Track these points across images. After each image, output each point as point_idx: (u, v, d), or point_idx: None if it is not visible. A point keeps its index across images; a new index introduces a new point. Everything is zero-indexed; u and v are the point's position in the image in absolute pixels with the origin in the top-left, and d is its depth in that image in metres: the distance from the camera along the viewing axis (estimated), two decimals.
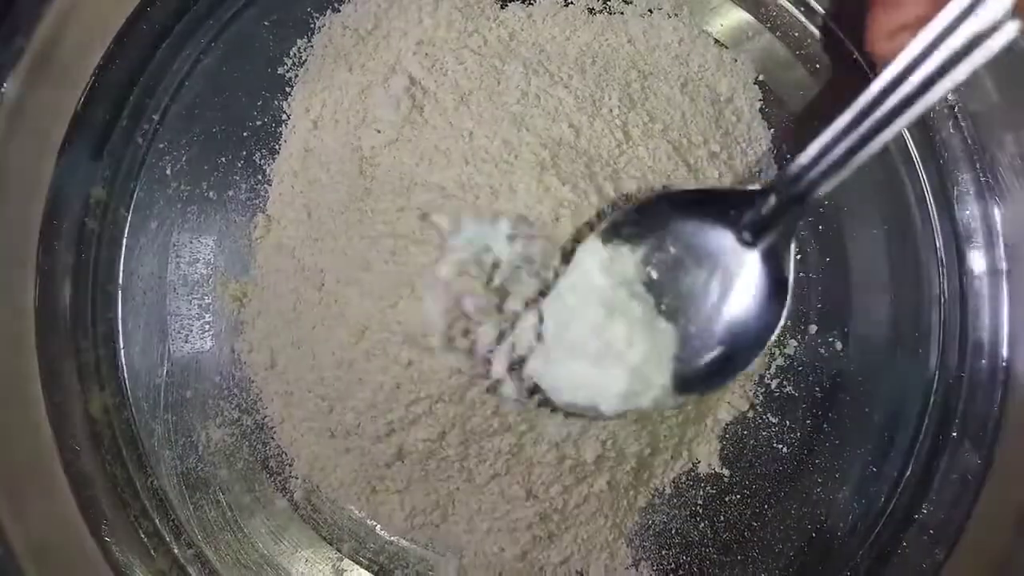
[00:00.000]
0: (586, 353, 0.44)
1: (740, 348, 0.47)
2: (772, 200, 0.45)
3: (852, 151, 0.43)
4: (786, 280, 0.46)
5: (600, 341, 0.44)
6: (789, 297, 0.46)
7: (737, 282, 0.47)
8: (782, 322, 0.46)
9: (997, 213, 0.54)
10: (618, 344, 0.44)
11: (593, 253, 0.46)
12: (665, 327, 0.46)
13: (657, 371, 0.45)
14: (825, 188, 0.44)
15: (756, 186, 0.47)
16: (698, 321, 0.46)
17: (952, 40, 0.40)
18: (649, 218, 0.47)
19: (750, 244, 0.46)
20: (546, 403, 0.46)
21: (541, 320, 0.45)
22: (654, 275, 0.46)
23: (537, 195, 0.47)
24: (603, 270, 0.45)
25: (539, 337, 0.45)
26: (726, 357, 0.46)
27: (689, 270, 0.47)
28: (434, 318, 0.45)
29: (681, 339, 0.46)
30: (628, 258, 0.46)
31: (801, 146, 0.44)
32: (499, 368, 0.45)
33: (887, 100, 0.42)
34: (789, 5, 0.58)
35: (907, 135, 0.56)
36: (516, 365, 0.45)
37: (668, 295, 0.46)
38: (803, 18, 0.58)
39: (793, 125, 0.57)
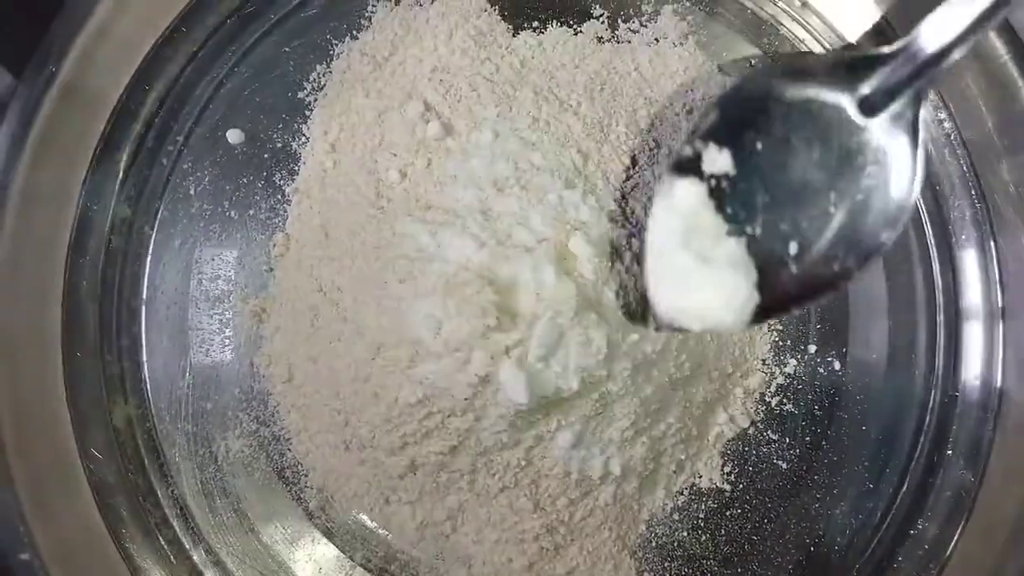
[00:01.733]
0: (676, 276, 0.44)
1: (867, 230, 0.43)
2: (904, 63, 0.42)
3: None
4: (914, 151, 0.42)
5: (686, 263, 0.44)
6: (920, 172, 0.42)
7: (852, 164, 0.43)
8: (916, 194, 0.43)
9: (992, 239, 0.56)
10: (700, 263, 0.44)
11: (671, 190, 0.45)
12: (739, 244, 0.44)
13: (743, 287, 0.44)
14: (966, 47, 0.40)
15: (884, 48, 0.43)
16: (809, 211, 0.43)
17: None
18: (740, 108, 0.45)
19: (871, 114, 0.43)
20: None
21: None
22: (742, 180, 0.44)
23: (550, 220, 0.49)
24: (683, 201, 0.45)
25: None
26: (850, 242, 0.43)
27: (794, 155, 0.44)
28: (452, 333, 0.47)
29: (779, 246, 0.44)
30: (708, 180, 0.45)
31: None
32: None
33: None
34: (792, 35, 0.60)
35: None
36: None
37: (762, 200, 0.44)
38: (805, 48, 0.60)
39: None
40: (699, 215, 0.45)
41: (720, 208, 0.45)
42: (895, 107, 0.44)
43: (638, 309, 0.49)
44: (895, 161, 0.44)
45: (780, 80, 0.45)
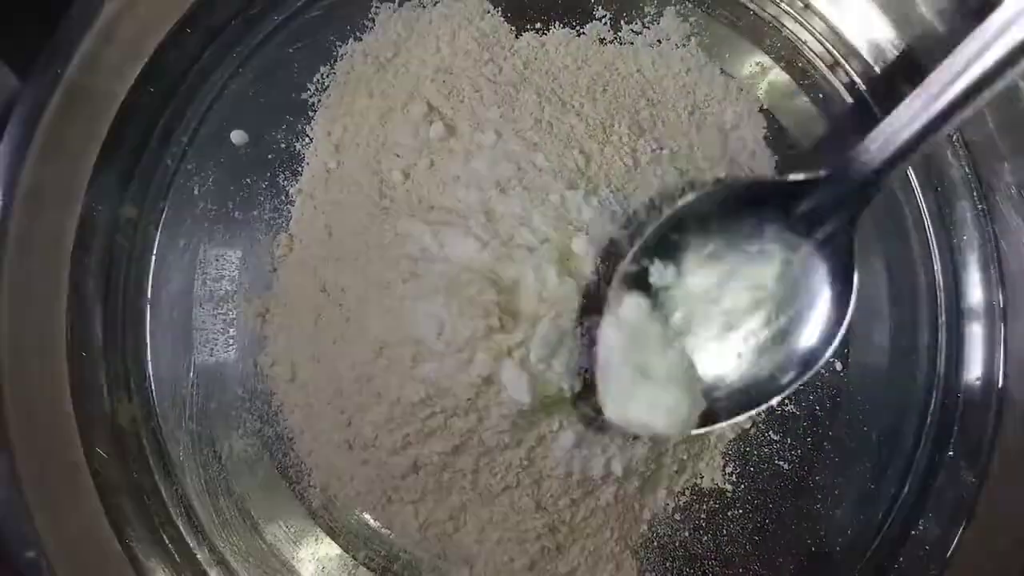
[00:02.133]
0: (621, 388, 0.46)
1: (801, 348, 0.46)
2: (839, 187, 0.44)
3: (931, 128, 0.41)
4: (850, 272, 0.45)
5: (631, 376, 0.46)
6: (855, 292, 0.45)
7: (791, 281, 0.46)
8: (848, 318, 0.45)
9: (993, 240, 0.56)
10: (647, 375, 0.46)
11: (620, 304, 0.47)
12: (683, 357, 0.47)
13: (685, 398, 0.46)
14: (899, 171, 0.43)
15: (819, 173, 0.45)
16: (746, 334, 0.46)
17: None
18: (684, 230, 0.47)
19: (806, 235, 0.46)
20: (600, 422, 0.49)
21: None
22: (687, 300, 0.47)
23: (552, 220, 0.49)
24: (630, 316, 0.47)
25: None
26: (784, 358, 0.47)
27: (735, 271, 0.46)
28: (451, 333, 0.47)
29: (722, 357, 0.47)
30: (659, 294, 0.47)
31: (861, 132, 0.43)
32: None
33: (973, 67, 0.39)
34: (793, 36, 0.60)
35: None
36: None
37: (706, 313, 0.46)
38: (807, 49, 0.61)
39: (796, 152, 0.59)
40: (644, 328, 0.47)
41: (668, 316, 0.48)
42: (828, 228, 0.46)
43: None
44: (828, 282, 0.47)
45: (724, 202, 0.48)
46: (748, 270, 0.47)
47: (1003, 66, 0.39)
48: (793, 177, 0.48)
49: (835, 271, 0.46)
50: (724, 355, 0.47)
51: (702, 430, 0.48)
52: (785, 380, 0.48)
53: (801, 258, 0.47)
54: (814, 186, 0.46)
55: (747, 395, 0.48)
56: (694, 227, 0.48)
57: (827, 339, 0.47)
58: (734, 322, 0.47)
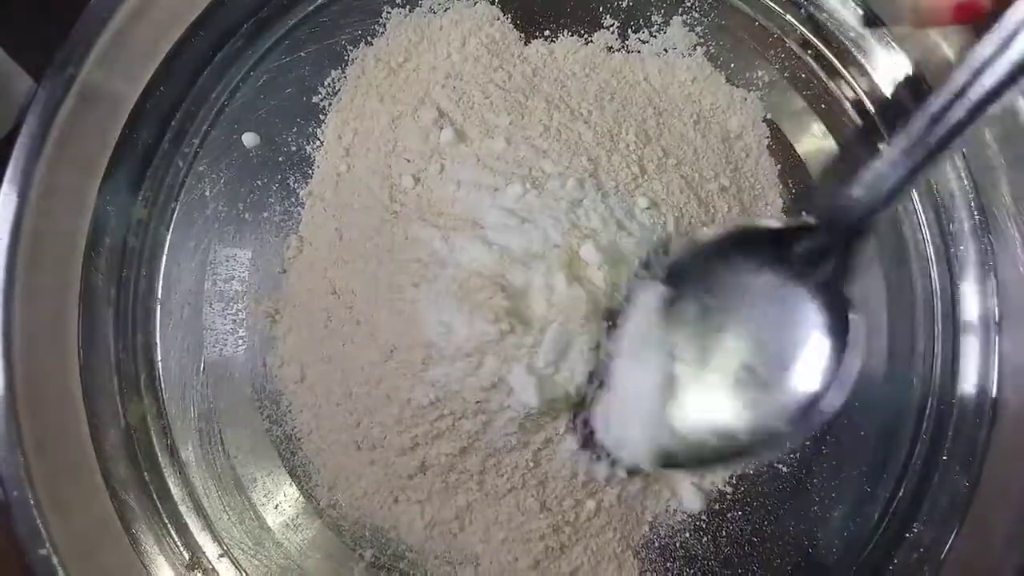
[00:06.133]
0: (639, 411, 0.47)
1: (801, 402, 0.45)
2: (826, 235, 0.43)
3: (913, 171, 0.41)
4: (843, 315, 0.43)
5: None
6: (861, 335, 0.43)
7: (790, 323, 0.45)
8: (856, 365, 0.44)
9: (990, 251, 0.57)
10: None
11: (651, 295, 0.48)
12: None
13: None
14: (886, 214, 0.42)
15: (811, 220, 0.46)
16: (736, 380, 0.46)
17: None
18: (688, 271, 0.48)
19: (801, 281, 0.45)
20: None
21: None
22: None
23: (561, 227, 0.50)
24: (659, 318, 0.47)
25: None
26: (790, 413, 0.46)
27: (737, 316, 0.46)
28: (460, 338, 0.48)
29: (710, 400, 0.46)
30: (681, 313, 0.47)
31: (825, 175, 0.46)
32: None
33: (949, 114, 0.39)
34: (797, 48, 0.61)
35: None
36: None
37: (711, 349, 0.46)
38: (810, 59, 0.61)
39: (798, 161, 0.60)
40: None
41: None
42: (819, 276, 0.45)
43: None
44: (819, 331, 0.46)
45: (722, 246, 0.48)
46: (747, 315, 0.47)
47: (982, 106, 0.39)
48: (778, 225, 0.48)
49: (826, 320, 0.45)
50: (711, 398, 0.47)
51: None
52: (778, 436, 0.46)
53: (792, 305, 0.46)
54: (804, 233, 0.45)
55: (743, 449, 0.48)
56: (695, 271, 0.48)
57: (822, 395, 0.45)
58: (726, 367, 0.46)
